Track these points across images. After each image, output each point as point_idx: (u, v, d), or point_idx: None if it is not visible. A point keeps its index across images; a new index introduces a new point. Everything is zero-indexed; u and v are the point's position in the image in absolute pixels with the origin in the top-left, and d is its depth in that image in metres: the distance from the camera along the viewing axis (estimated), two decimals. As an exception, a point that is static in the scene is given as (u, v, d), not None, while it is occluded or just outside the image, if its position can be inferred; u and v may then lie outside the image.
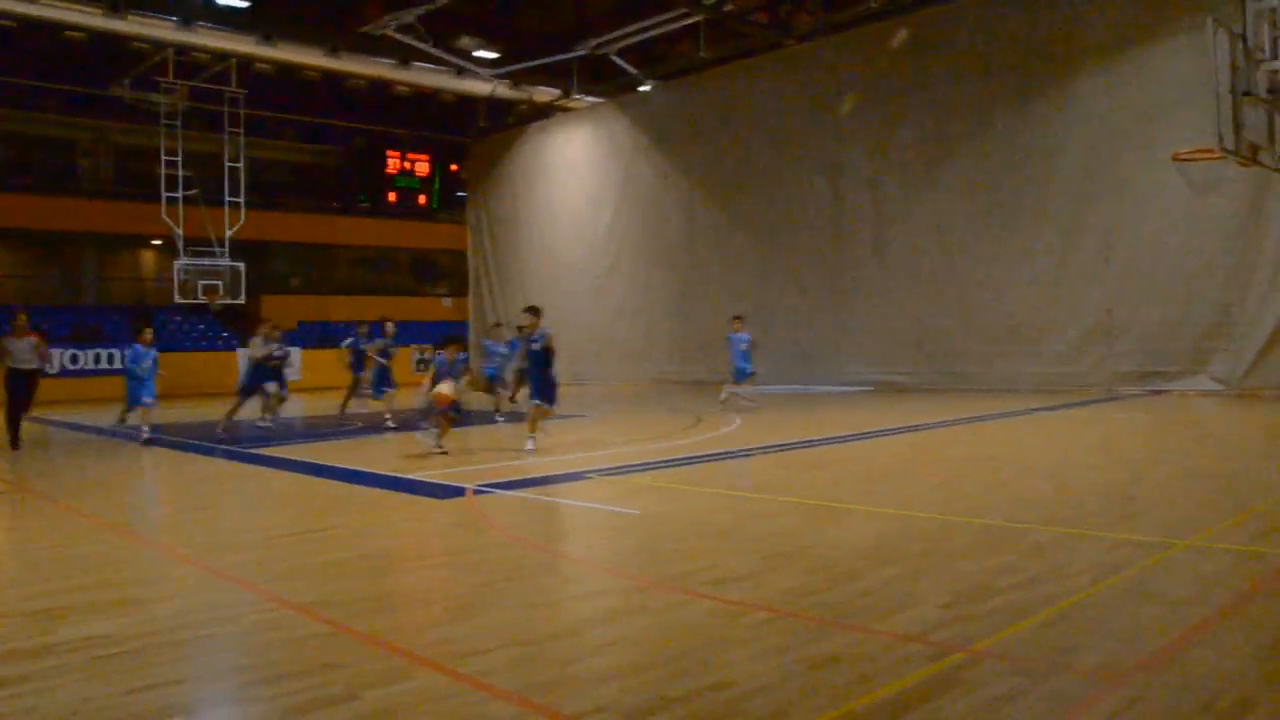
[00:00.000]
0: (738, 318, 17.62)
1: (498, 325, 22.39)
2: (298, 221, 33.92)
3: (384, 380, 16.35)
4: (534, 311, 12.28)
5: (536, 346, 12.03)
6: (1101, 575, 5.37)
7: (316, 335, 29.76)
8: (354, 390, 16.78)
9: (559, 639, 4.58)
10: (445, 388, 11.57)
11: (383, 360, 16.39)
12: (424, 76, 28.96)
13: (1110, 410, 15.93)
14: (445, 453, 11.54)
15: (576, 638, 4.62)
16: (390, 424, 15.47)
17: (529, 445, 11.66)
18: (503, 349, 17.69)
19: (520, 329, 14.20)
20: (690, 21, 24.09)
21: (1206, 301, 18.15)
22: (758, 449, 12.13)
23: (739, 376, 17.09)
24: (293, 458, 12.11)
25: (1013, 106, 21.30)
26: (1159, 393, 18.21)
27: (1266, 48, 11.82)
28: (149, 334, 14.32)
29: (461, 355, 12.31)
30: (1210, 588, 5.10)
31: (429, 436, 12.06)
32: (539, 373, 12.15)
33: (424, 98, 32.00)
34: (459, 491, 8.90)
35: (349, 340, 16.71)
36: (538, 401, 12.00)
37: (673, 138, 28.38)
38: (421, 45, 24.68)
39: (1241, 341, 17.64)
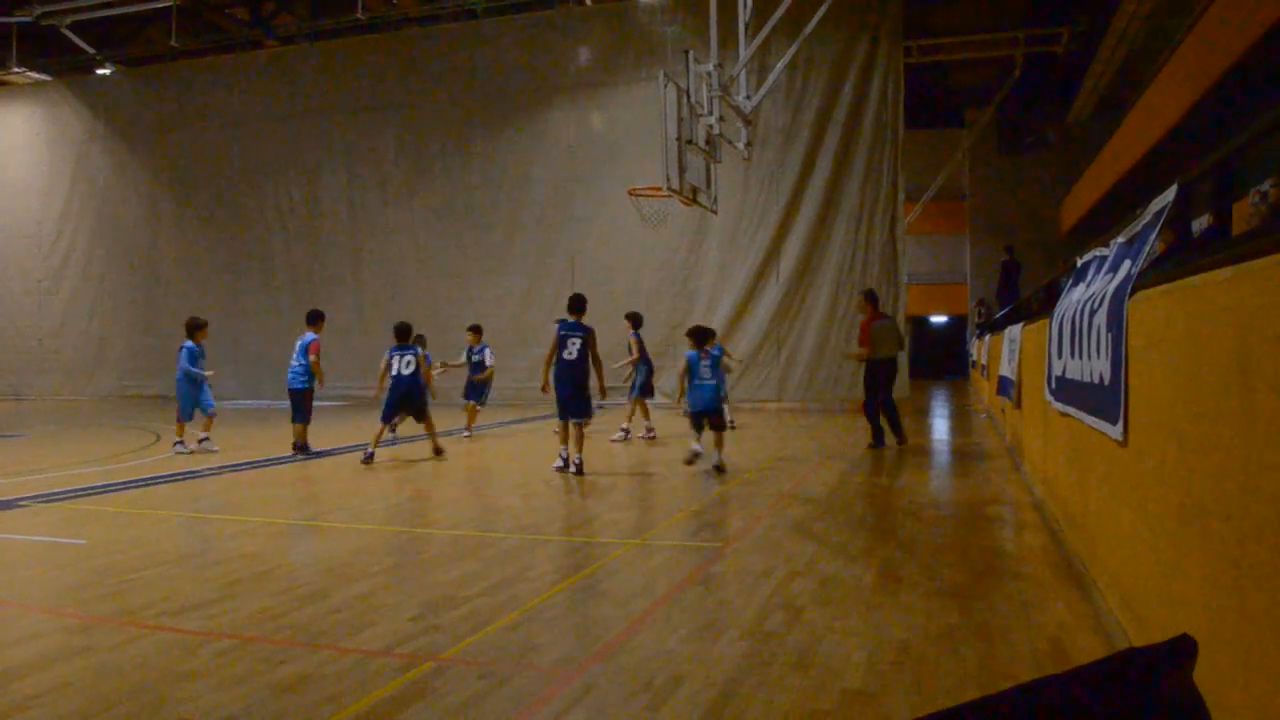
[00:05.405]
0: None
1: None
2: None
3: None
4: None
5: None
6: (561, 576, 5.76)
7: None
8: None
9: (-24, 696, 3.88)
10: None
11: None
12: None
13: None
14: None
15: (1, 691, 3.94)
16: None
17: None
18: None
19: None
20: (161, 5, 22.27)
21: (656, 323, 20.56)
22: (224, 468, 11.40)
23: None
24: None
25: (491, 131, 22.47)
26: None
27: (705, 104, 13.32)
28: None
29: None
30: (653, 580, 5.67)
31: None
32: None
33: None
34: None
35: None
36: None
37: (137, 128, 25.91)
38: None
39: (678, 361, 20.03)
